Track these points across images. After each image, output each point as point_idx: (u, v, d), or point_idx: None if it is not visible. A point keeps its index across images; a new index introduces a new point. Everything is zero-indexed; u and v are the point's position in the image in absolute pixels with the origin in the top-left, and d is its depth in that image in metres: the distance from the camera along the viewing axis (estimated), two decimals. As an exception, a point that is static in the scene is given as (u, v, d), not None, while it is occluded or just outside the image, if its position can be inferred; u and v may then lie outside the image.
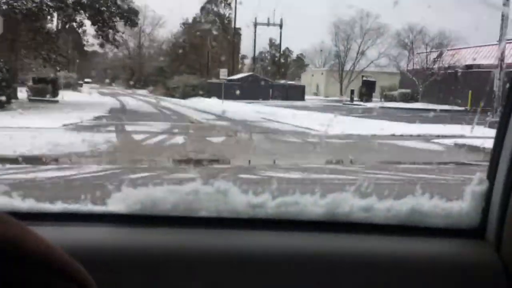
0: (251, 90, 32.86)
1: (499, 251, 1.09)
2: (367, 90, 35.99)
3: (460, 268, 1.10)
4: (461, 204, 1.19)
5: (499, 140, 1.12)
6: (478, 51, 34.37)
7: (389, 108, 27.13)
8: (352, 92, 38.65)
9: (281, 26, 48.75)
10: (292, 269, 1.19)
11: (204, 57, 43.65)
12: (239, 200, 1.33)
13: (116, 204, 1.30)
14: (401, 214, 1.23)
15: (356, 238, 1.23)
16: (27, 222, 1.18)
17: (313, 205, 1.31)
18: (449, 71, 32.30)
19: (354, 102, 34.76)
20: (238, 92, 30.95)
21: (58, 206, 1.31)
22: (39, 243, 0.52)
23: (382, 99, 37.86)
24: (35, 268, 0.50)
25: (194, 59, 43.79)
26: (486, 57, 34.01)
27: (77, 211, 1.30)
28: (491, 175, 1.15)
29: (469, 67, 29.71)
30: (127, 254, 1.19)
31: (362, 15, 44.92)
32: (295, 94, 36.47)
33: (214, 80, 34.36)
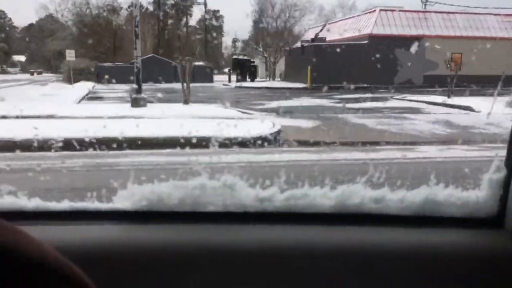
0: (151, 72, 31.66)
1: None
2: (241, 69, 34.22)
3: (478, 258, 1.12)
4: (477, 192, 1.21)
5: None
6: (346, 23, 33.58)
7: (241, 88, 26.84)
8: (229, 71, 36.19)
9: (205, 4, 47.36)
10: (303, 262, 1.15)
11: (119, 39, 41.38)
12: (246, 194, 1.27)
13: (122, 201, 1.19)
14: (415, 205, 1.23)
15: (368, 230, 1.22)
16: (34, 221, 1.08)
17: (322, 197, 1.28)
18: (297, 46, 31.31)
19: (231, 83, 32.62)
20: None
21: (64, 205, 1.18)
22: (30, 245, 0.52)
23: (279, 78, 36.62)
24: (27, 270, 0.49)
25: (97, 41, 41.28)
26: (336, 31, 32.98)
27: (84, 209, 1.18)
28: (509, 162, 1.16)
29: (314, 40, 29.25)
30: (134, 251, 1.11)
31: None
32: (203, 75, 35.22)
33: (106, 64, 32.75)
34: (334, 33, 32.47)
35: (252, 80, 34.01)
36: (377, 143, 8.09)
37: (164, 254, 1.12)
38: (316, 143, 7.47)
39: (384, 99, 15.62)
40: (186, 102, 14.88)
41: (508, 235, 1.14)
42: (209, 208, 1.24)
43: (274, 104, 16.26)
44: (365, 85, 20.34)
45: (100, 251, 1.08)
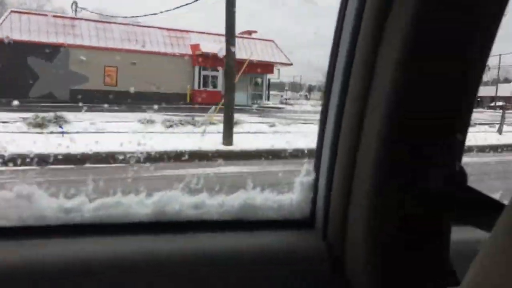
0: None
1: (326, 238, 1.15)
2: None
3: (292, 257, 1.13)
4: (292, 195, 1.22)
5: (321, 132, 1.17)
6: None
7: None
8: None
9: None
10: (118, 277, 1.05)
11: None
12: (47, 204, 1.12)
13: None
14: (234, 209, 1.20)
15: (188, 237, 1.16)
16: None
17: (138, 205, 1.19)
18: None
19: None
20: None
21: None
22: None
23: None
24: None
25: None
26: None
27: None
28: (316, 166, 1.20)
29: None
30: None
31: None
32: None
33: None
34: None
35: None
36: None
37: None
38: None
39: None
40: None
41: (317, 235, 1.17)
42: (1, 223, 1.06)
43: None
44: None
45: None
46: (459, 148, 1.00)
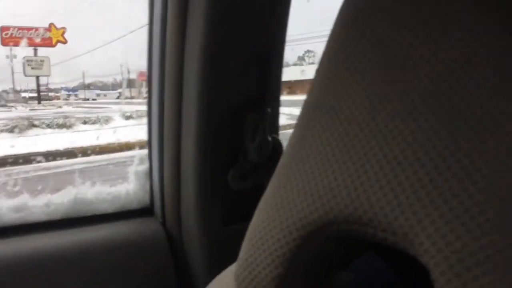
0: None
1: (164, 224, 1.16)
2: None
3: (132, 246, 1.11)
4: (127, 186, 1.19)
5: (149, 120, 1.17)
6: None
7: None
8: None
9: None
10: None
11: None
12: None
13: None
14: (64, 207, 1.12)
15: (10, 242, 1.04)
16: None
17: None
18: None
19: None
20: None
21: None
22: None
23: None
24: None
25: None
26: None
27: None
28: (149, 154, 1.19)
29: None
30: None
31: None
32: None
33: None
34: None
35: None
36: None
37: None
38: None
39: None
40: None
41: (157, 222, 1.17)
42: None
43: None
44: None
45: None
46: (273, 121, 1.10)
